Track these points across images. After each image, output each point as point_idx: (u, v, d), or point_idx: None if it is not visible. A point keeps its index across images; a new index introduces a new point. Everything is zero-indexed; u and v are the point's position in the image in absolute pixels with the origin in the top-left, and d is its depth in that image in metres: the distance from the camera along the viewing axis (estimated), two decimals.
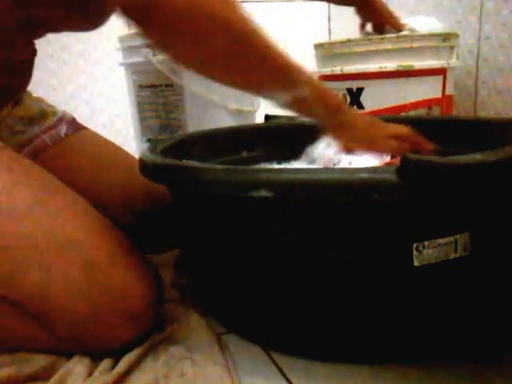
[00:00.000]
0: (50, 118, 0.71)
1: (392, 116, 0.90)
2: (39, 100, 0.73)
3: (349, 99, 1.02)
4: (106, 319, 0.47)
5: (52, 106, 0.74)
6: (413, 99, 0.97)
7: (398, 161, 0.38)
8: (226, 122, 1.04)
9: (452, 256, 0.42)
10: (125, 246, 0.51)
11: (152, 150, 0.56)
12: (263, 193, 0.39)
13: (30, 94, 0.73)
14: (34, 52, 0.59)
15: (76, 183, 0.55)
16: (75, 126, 0.74)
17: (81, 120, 0.77)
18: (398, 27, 0.95)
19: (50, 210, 0.49)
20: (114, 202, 0.68)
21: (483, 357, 0.47)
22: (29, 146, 0.67)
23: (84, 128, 0.76)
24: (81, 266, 0.47)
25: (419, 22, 0.98)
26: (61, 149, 0.70)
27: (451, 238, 0.41)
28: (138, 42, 1.01)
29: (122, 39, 1.09)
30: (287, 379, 0.46)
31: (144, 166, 0.52)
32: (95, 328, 0.48)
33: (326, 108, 0.57)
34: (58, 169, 0.57)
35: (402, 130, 0.61)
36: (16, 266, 0.47)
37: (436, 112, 0.99)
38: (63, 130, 0.72)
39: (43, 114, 0.71)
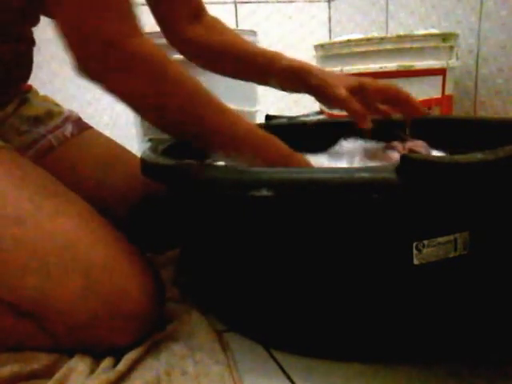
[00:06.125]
0: (56, 118, 0.71)
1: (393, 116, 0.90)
2: (45, 99, 0.73)
3: None
4: (106, 322, 0.47)
5: (58, 106, 0.74)
6: None
7: None
8: None
9: (452, 255, 0.42)
10: (125, 248, 0.51)
11: (153, 149, 0.56)
12: (264, 192, 0.39)
13: (36, 94, 0.72)
14: (31, 42, 0.58)
15: (80, 184, 0.55)
16: (81, 126, 0.74)
17: (83, 120, 0.77)
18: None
19: (49, 214, 0.49)
20: (117, 202, 0.68)
21: (483, 356, 0.47)
22: (34, 147, 0.67)
23: (89, 127, 0.76)
24: (80, 270, 0.47)
25: None
26: (66, 149, 0.70)
27: (451, 237, 0.42)
28: None
29: None
30: (288, 377, 0.46)
31: (145, 165, 0.52)
32: (95, 331, 0.48)
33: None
34: (62, 170, 0.57)
35: None
36: (14, 269, 0.47)
37: (436, 112, 0.99)
38: (69, 129, 0.71)
39: (49, 113, 0.71)
